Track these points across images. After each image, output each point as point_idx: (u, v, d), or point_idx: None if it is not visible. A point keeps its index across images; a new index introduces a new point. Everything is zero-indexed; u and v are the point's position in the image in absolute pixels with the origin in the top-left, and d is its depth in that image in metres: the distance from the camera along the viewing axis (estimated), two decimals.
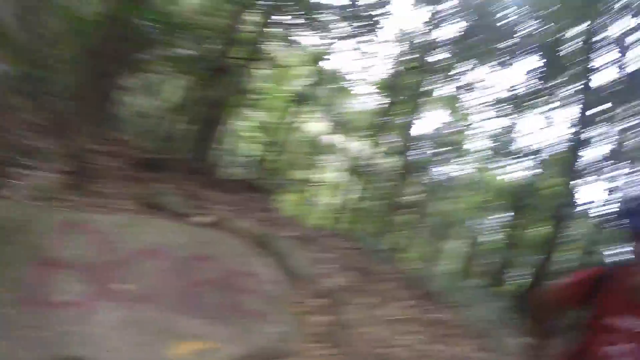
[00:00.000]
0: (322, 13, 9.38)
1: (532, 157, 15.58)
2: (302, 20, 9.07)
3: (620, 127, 11.93)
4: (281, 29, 9.42)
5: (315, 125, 17.90)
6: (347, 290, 6.30)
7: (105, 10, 7.43)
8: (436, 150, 13.41)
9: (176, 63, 8.15)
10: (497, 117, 16.78)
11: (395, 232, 14.97)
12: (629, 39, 11.19)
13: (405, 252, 13.93)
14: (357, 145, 18.53)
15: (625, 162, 11.33)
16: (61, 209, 4.30)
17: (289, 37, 9.72)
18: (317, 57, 12.73)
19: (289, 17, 9.10)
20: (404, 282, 8.11)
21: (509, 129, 15.84)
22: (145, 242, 3.61)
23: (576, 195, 11.33)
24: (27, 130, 6.09)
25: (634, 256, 1.80)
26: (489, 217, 16.99)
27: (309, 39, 11.14)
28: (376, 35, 11.81)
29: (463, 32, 12.66)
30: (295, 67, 12.31)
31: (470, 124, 17.34)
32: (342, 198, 14.66)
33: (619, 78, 11.91)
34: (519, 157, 15.50)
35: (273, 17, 8.96)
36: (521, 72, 15.44)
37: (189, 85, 9.32)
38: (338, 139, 16.55)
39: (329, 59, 14.51)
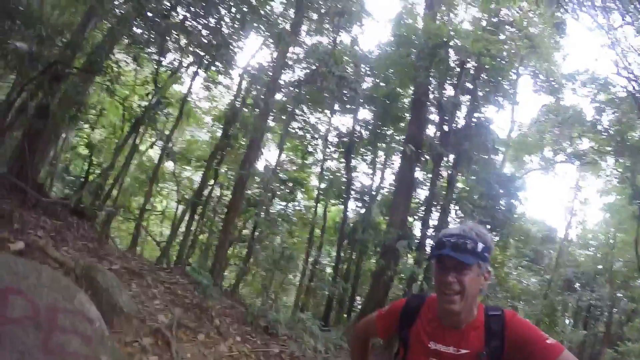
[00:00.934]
0: (176, 35, 9.11)
1: (364, 196, 16.88)
2: (154, 38, 8.66)
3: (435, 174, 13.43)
4: (131, 44, 8.89)
5: (152, 150, 17.07)
6: (178, 327, 5.96)
7: None
8: (273, 186, 13.63)
9: (9, 57, 7.11)
10: (333, 158, 17.96)
11: (230, 266, 14.74)
12: (447, 102, 12.79)
13: (240, 287, 13.73)
14: (192, 176, 18.07)
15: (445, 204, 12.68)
16: None
17: (137, 54, 9.18)
18: (163, 80, 12.26)
19: (142, 32, 8.63)
20: (238, 317, 7.98)
21: (343, 170, 16.88)
22: None
23: (405, 232, 12.32)
24: None
25: (434, 283, 1.99)
26: (324, 252, 17.74)
27: (157, 59, 10.72)
28: (224, 68, 11.80)
29: (306, 77, 13.27)
30: (139, 87, 11.66)
31: (308, 163, 18.15)
32: (175, 229, 14.01)
33: (439, 133, 13.51)
34: (352, 196, 16.61)
35: (125, 29, 8.40)
36: (357, 120, 16.57)
37: (19, 87, 8.14)
38: (174, 168, 15.94)
39: (174, 83, 14.09)
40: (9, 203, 6.72)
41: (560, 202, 27.37)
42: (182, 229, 13.92)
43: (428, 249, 12.20)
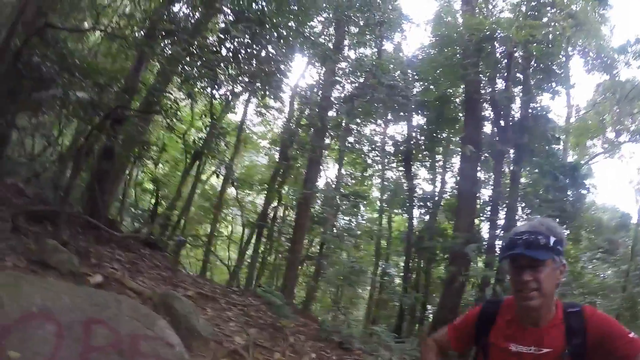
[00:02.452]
0: (224, 66, 9.45)
1: (428, 202, 16.63)
2: (205, 73, 9.03)
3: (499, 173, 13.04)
4: (184, 81, 9.32)
5: (213, 179, 17.68)
6: (254, 347, 6.08)
7: (5, 42, 6.89)
8: (336, 202, 13.75)
9: (72, 107, 7.66)
10: (393, 168, 17.85)
11: (300, 284, 14.91)
12: (500, 96, 12.44)
13: (311, 304, 13.84)
14: (255, 199, 18.50)
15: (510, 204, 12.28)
16: None
17: (191, 90, 9.61)
18: (218, 111, 12.74)
19: (191, 69, 9.03)
20: (311, 334, 8.02)
21: (404, 178, 16.73)
22: (33, 304, 3.23)
23: (473, 235, 12.00)
24: None
25: (510, 284, 1.96)
26: (392, 262, 17.60)
27: (211, 92, 11.18)
28: (275, 92, 12.11)
29: (356, 91, 13.36)
30: (195, 120, 12.18)
31: (368, 175, 18.15)
32: (242, 253, 14.37)
33: (496, 129, 13.15)
34: (415, 204, 16.41)
35: (176, 68, 8.83)
36: (412, 126, 16.46)
37: (83, 132, 8.77)
38: (237, 193, 16.40)
39: (228, 113, 14.57)
40: (85, 240, 7.17)
41: (631, 185, 25.45)
42: (250, 251, 14.26)
43: (498, 251, 11.81)
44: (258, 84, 10.47)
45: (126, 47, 8.71)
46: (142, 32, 9.17)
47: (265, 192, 15.08)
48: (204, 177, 16.17)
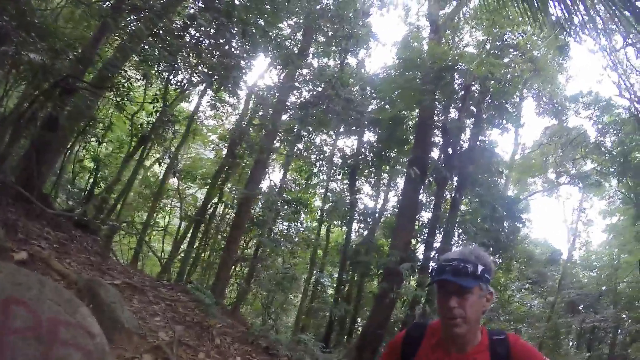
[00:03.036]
0: (187, 54, 9.22)
1: (368, 218, 16.83)
2: (165, 57, 8.75)
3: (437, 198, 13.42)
4: (142, 61, 8.99)
5: (157, 166, 17.13)
6: (178, 345, 5.89)
7: None
8: (277, 206, 13.64)
9: (22, 67, 7.19)
10: (337, 180, 17.98)
11: (232, 285, 14.65)
12: (452, 125, 12.83)
13: (241, 306, 13.62)
14: (197, 193, 18.11)
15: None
16: None
17: (148, 71, 9.26)
18: (171, 97, 12.38)
19: (153, 50, 8.73)
20: (238, 337, 7.90)
21: (347, 192, 16.88)
22: None
23: (408, 254, 12.22)
24: None
25: (437, 308, 2.00)
26: (326, 273, 17.66)
27: (167, 77, 10.85)
28: (232, 88, 11.92)
29: (313, 99, 13.37)
30: (148, 103, 11.75)
31: (312, 184, 18.15)
32: (177, 246, 13.98)
33: (444, 156, 13.53)
34: (355, 218, 16.57)
35: (136, 46, 8.50)
36: (362, 142, 16.65)
37: (30, 97, 8.22)
38: (178, 184, 15.99)
39: (182, 101, 14.20)
40: (14, 212, 6.73)
41: (564, 223, 27.09)
42: (185, 245, 13.90)
43: (430, 273, 12.09)
44: (216, 77, 10.27)
45: (89, 15, 8.31)
46: (109, 3, 8.80)
47: (208, 187, 14.75)
48: (147, 163, 15.65)
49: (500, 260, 13.22)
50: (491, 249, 12.05)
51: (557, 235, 59.72)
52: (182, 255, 13.63)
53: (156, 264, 16.09)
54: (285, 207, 15.06)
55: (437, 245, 12.94)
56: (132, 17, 8.41)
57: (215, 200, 14.59)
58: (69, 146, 11.12)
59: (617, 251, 21.86)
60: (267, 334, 8.56)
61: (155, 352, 5.28)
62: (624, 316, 20.33)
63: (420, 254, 13.67)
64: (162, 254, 15.52)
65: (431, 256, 12.49)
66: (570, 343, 21.90)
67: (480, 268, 1.90)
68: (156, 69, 9.78)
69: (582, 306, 20.24)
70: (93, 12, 8.10)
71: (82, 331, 3.66)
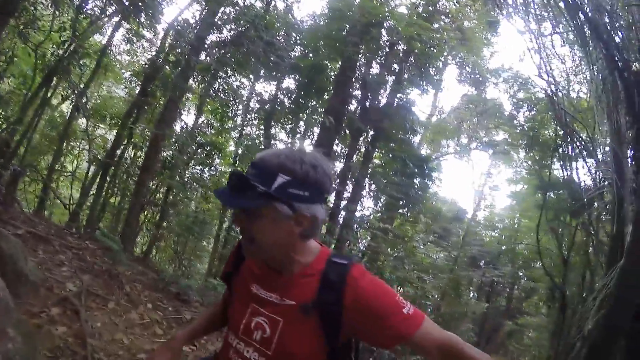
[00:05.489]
0: None
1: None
2: None
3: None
4: None
5: (64, 105, 16.01)
6: (87, 295, 5.82)
7: None
8: (190, 148, 13.36)
9: None
10: (253, 125, 17.84)
11: (142, 231, 14.36)
12: (372, 79, 13.07)
13: (152, 253, 13.46)
14: (106, 134, 17.23)
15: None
16: None
17: None
18: (82, 28, 11.45)
19: None
20: (149, 284, 7.91)
21: (262, 137, 16.83)
22: None
23: None
24: None
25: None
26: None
27: (78, 4, 10.01)
28: (149, 21, 11.26)
29: (233, 39, 12.97)
30: (55, 33, 10.76)
31: (227, 127, 17.88)
32: (85, 192, 13.35)
33: (361, 109, 13.83)
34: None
35: None
36: (281, 88, 16.49)
37: None
38: (87, 125, 15.09)
39: (95, 34, 13.22)
40: None
41: (472, 186, 29.05)
42: (93, 191, 13.33)
43: (340, 220, 12.63)
44: (132, 8, 9.65)
45: None
46: None
47: (118, 127, 14.05)
48: (54, 101, 14.53)
49: (409, 214, 13.99)
50: (401, 202, 12.70)
51: (464, 196, 63.48)
52: (91, 201, 13.09)
53: (64, 212, 15.28)
54: (198, 150, 14.79)
55: (347, 195, 13.41)
56: None
57: (126, 141, 13.96)
58: None
59: (519, 216, 23.96)
60: (179, 280, 8.61)
61: (63, 304, 5.17)
62: (521, 274, 22.97)
63: (330, 203, 14.08)
64: (71, 200, 14.77)
65: (341, 205, 12.94)
66: (471, 294, 24.20)
67: (279, 180, 1.45)
68: None
69: (482, 262, 22.29)
70: None
71: None
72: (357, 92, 14.66)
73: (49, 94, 11.81)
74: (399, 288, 10.33)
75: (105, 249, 8.06)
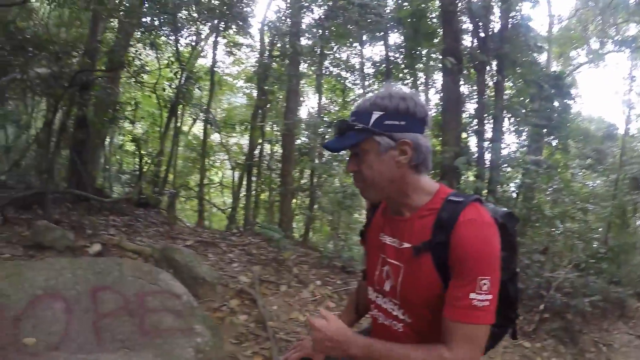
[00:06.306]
0: (186, 9, 9.12)
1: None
2: (165, 21, 8.74)
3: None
4: (145, 33, 9.02)
5: (195, 127, 17.48)
6: (260, 284, 6.31)
7: None
8: (321, 130, 13.71)
9: (33, 85, 7.49)
10: (374, 90, 17.62)
11: (296, 216, 15.16)
12: (477, 6, 12.10)
13: (310, 235, 14.14)
14: (240, 141, 18.42)
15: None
16: None
17: (153, 40, 9.31)
18: (186, 57, 12.42)
19: (152, 19, 8.72)
20: (314, 263, 8.29)
21: None
22: (37, 287, 3.31)
23: (461, 148, 12.04)
24: None
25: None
26: None
27: (175, 40, 10.82)
28: (242, 28, 11.73)
29: (327, 14, 12.95)
30: (163, 70, 11.87)
31: (349, 100, 17.99)
32: (236, 195, 14.51)
33: (476, 41, 12.91)
34: None
35: (134, 20, 8.52)
36: (389, 45, 16.03)
37: (53, 108, 8.66)
38: (220, 138, 16.32)
39: (197, 58, 14.17)
40: (76, 214, 7.23)
41: (616, 95, 25.59)
42: (243, 193, 14.39)
43: (487, 162, 11.97)
44: (222, 22, 10.12)
45: (77, 10, 8.35)
46: None
47: (249, 131, 14.99)
48: (185, 127, 15.99)
49: (557, 141, 12.75)
50: (545, 130, 11.62)
51: (611, 109, 55.58)
52: (243, 202, 14.18)
53: (222, 217, 16.79)
54: (329, 129, 15.14)
55: (488, 135, 12.62)
56: None
57: (260, 141, 14.84)
58: (107, 137, 11.55)
59: None
60: (340, 254, 8.92)
61: (240, 296, 5.70)
62: None
63: (473, 146, 13.41)
64: (225, 206, 16.15)
65: (484, 146, 12.25)
66: (638, 222, 21.20)
67: (374, 116, 1.53)
68: (161, 35, 9.77)
69: None
70: (78, 5, 8.11)
71: (167, 295, 4.01)
72: (467, 25, 13.68)
73: (178, 123, 12.98)
74: (560, 224, 9.44)
75: (267, 240, 8.59)
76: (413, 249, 1.53)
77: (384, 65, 16.06)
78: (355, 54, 17.26)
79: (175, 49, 11.69)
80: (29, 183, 8.77)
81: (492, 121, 12.65)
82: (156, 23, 8.99)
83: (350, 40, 15.96)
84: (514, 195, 11.19)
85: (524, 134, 13.28)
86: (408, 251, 1.55)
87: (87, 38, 8.73)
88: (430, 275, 1.50)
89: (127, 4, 8.25)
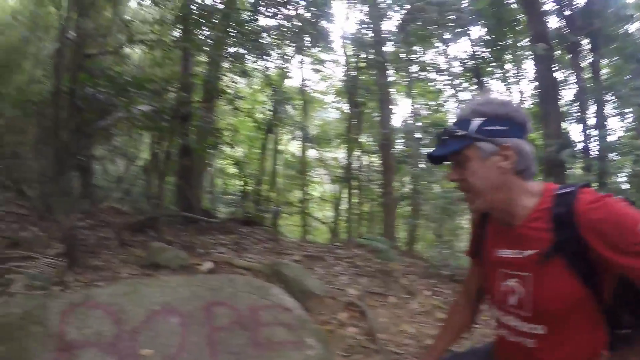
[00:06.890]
0: (267, 35, 9.47)
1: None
2: (250, 48, 9.13)
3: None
4: (233, 62, 9.48)
5: (291, 145, 17.94)
6: (367, 296, 6.24)
7: (56, 87, 7.44)
8: (417, 136, 13.48)
9: (137, 121, 8.17)
10: (465, 88, 17.07)
11: (399, 226, 14.94)
12: None
13: (414, 243, 13.87)
14: (337, 154, 18.61)
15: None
16: (64, 291, 4.22)
17: (242, 69, 9.76)
18: (274, 80, 12.85)
19: (237, 48, 9.15)
20: (421, 273, 8.09)
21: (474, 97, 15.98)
22: (154, 303, 3.53)
23: (564, 139, 11.21)
24: (12, 222, 6.03)
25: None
26: None
27: (261, 64, 11.24)
28: (326, 44, 11.90)
29: (406, 18, 12.79)
30: (256, 94, 12.42)
31: (442, 102, 17.56)
32: (337, 208, 14.64)
33: (563, 20, 12.07)
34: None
35: (220, 52, 8.99)
36: (473, 40, 15.48)
37: (157, 140, 9.38)
38: (318, 153, 16.59)
39: (285, 80, 14.61)
40: (187, 235, 7.71)
41: None
42: (344, 205, 14.47)
43: (594, 152, 11.00)
44: (304, 41, 10.35)
45: (167, 50, 8.97)
46: (177, 29, 9.37)
47: (345, 144, 15.11)
48: (282, 147, 16.46)
49: None
50: None
51: None
52: (346, 215, 14.25)
53: (323, 231, 17.01)
54: (424, 135, 14.84)
55: (592, 121, 11.62)
56: (202, 30, 8.81)
57: (357, 153, 14.89)
58: (210, 162, 12.23)
59: None
60: (447, 263, 8.62)
61: (349, 308, 5.67)
62: None
63: (576, 136, 12.44)
64: (327, 220, 16.34)
65: (590, 134, 11.28)
66: None
67: (475, 123, 1.51)
68: (249, 61, 10.20)
69: None
70: (169, 46, 8.73)
71: (279, 309, 4.07)
72: (550, 6, 12.81)
73: (276, 143, 13.41)
74: None
75: (372, 251, 8.54)
76: (541, 255, 1.46)
77: (471, 62, 15.49)
78: (441, 54, 16.86)
79: (265, 72, 12.10)
80: (140, 209, 9.49)
81: (593, 106, 11.62)
82: (242, 51, 9.35)
83: (433, 40, 15.56)
84: (626, 186, 10.15)
85: (629, 116, 12.06)
86: (533, 258, 1.49)
87: (180, 74, 9.39)
88: (567, 275, 1.43)
89: (213, 38, 8.68)
